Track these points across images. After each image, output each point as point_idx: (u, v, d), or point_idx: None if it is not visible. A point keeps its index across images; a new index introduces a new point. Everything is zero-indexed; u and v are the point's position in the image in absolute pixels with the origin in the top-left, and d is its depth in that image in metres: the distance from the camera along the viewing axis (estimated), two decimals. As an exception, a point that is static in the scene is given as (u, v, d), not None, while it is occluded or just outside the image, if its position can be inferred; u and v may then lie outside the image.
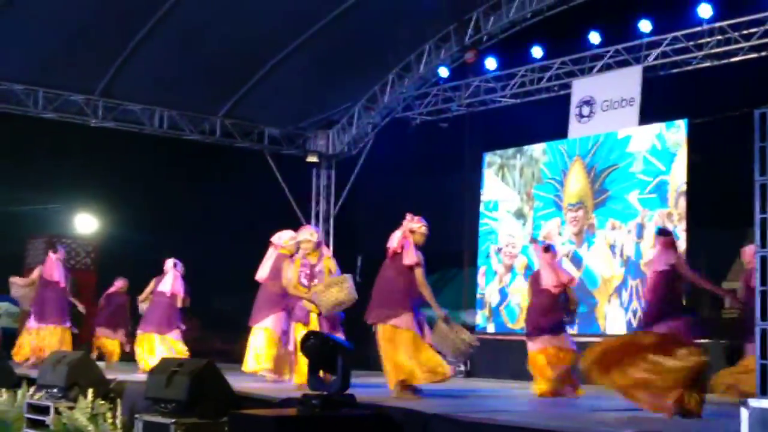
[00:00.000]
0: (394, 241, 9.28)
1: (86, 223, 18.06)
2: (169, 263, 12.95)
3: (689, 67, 14.07)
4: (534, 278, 10.84)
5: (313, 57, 16.16)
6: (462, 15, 15.83)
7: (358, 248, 17.93)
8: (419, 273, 9.14)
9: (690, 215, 13.33)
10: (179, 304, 12.78)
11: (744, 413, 5.44)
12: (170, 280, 12.86)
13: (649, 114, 13.94)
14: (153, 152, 17.63)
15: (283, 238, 11.61)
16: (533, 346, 10.48)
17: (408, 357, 8.89)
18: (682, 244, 13.20)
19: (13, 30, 14.47)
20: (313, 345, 7.69)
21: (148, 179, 17.81)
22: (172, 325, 12.72)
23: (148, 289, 13.11)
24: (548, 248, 10.90)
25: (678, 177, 13.44)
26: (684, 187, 13.37)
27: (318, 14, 15.31)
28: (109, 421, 8.91)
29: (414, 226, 9.40)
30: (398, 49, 16.79)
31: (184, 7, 14.55)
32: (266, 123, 18.11)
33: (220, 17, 14.91)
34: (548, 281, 10.47)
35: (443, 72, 16.75)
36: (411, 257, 9.15)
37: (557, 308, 10.51)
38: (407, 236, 9.31)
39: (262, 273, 11.62)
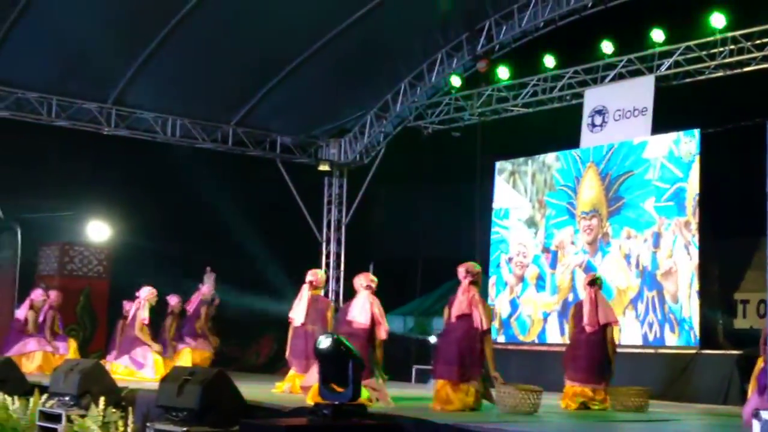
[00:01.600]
0: (462, 305, 9.28)
1: (99, 230, 18.06)
2: None
3: (702, 77, 14.03)
4: (577, 310, 10.63)
5: (326, 66, 16.19)
6: (474, 24, 15.86)
7: (369, 256, 17.93)
8: (489, 337, 9.30)
9: (703, 225, 13.27)
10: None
11: (756, 425, 5.41)
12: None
13: (661, 123, 13.90)
14: (165, 160, 17.66)
15: (319, 277, 11.63)
16: (569, 382, 10.32)
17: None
18: (695, 254, 13.18)
19: (28, 39, 14.54)
20: (327, 347, 7.66)
21: (160, 187, 17.81)
22: None
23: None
24: (593, 281, 10.60)
25: (695, 185, 13.37)
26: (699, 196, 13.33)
27: (330, 23, 15.34)
28: (121, 429, 8.93)
29: (473, 278, 9.39)
30: (410, 58, 16.82)
31: (196, 16, 14.60)
32: (278, 131, 18.15)
33: (232, 27, 14.95)
34: (586, 319, 10.32)
35: (455, 81, 16.75)
36: (486, 322, 9.24)
37: (597, 350, 10.26)
38: (472, 291, 9.29)
39: (299, 316, 11.36)
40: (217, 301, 15.91)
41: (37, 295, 14.36)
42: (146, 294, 13.54)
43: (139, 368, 13.21)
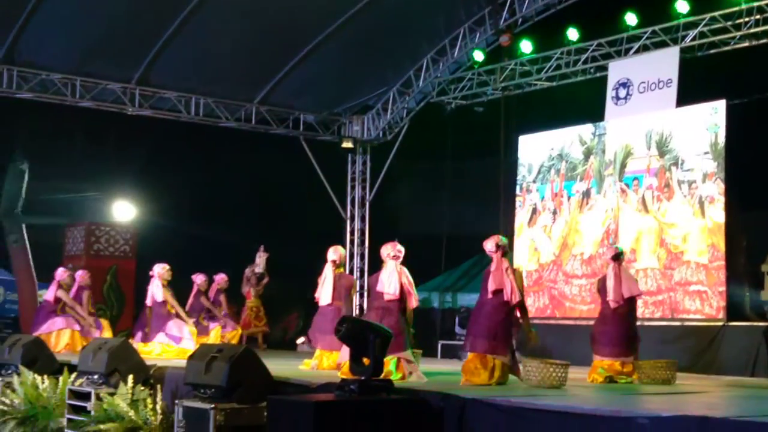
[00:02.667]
0: (498, 280, 9.19)
1: (124, 210, 18.19)
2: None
3: (727, 48, 13.90)
4: (602, 284, 10.51)
5: (347, 42, 16.17)
6: (496, -2, 15.78)
7: (393, 233, 17.93)
8: (523, 304, 9.29)
9: (729, 197, 13.20)
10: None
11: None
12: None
13: (686, 95, 13.80)
14: (189, 140, 17.74)
15: (341, 254, 11.59)
16: (597, 357, 10.26)
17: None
18: (721, 226, 13.12)
19: (51, 21, 14.61)
20: (346, 330, 7.69)
21: (185, 166, 17.91)
22: None
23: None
24: (617, 256, 10.41)
25: (721, 156, 13.28)
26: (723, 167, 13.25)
27: (351, 0, 15.30)
28: (149, 406, 8.99)
29: (504, 250, 9.32)
30: (432, 34, 16.75)
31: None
32: (301, 109, 18.16)
33: (253, 5, 14.95)
34: (611, 294, 10.27)
35: (478, 56, 16.67)
36: (518, 295, 9.21)
37: (624, 323, 10.20)
38: (505, 263, 9.28)
39: (326, 296, 11.28)
40: (266, 279, 15.98)
41: (61, 274, 14.44)
42: (159, 270, 13.54)
43: (178, 342, 13.29)
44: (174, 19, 15.12)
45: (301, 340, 15.71)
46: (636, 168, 14.42)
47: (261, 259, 16.31)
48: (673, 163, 13.87)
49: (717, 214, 13.19)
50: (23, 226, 17.17)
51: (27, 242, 17.21)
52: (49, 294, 14.44)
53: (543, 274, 15.47)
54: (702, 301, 13.20)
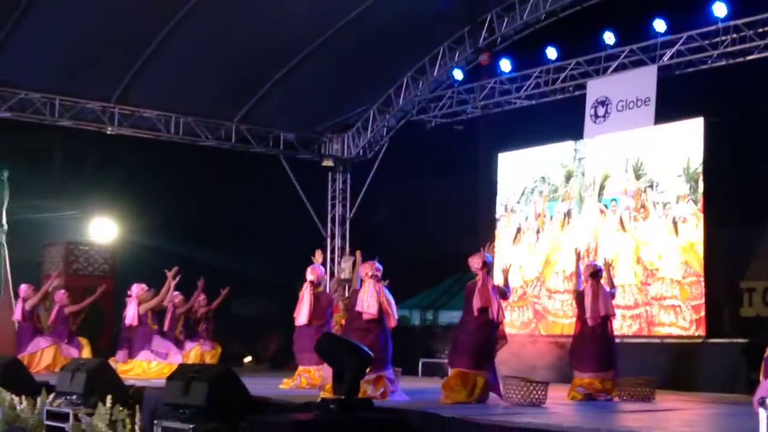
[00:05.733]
0: (484, 297, 9.26)
1: (103, 229, 18.10)
2: None
3: (704, 66, 14.00)
4: (579, 300, 10.59)
5: (327, 61, 16.20)
6: (476, 17, 15.83)
7: (374, 251, 17.91)
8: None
9: (707, 214, 13.32)
10: None
11: (763, 413, 5.41)
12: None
13: (664, 113, 13.89)
14: (169, 159, 17.68)
15: (318, 273, 11.62)
16: (577, 374, 10.29)
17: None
18: (700, 243, 13.24)
19: (30, 39, 14.56)
20: (323, 345, 7.69)
21: (164, 186, 17.85)
22: None
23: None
24: (595, 273, 10.48)
25: (699, 174, 13.41)
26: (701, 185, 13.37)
27: (331, 19, 15.35)
28: (128, 427, 8.94)
29: (489, 267, 9.45)
30: (412, 52, 16.80)
31: (197, 14, 14.61)
32: (281, 128, 18.15)
33: (233, 24, 14.96)
34: (588, 312, 10.29)
35: (457, 74, 16.74)
36: (503, 314, 9.43)
37: (602, 340, 10.26)
38: (490, 282, 9.33)
39: (302, 316, 11.45)
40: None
41: (25, 290, 14.34)
42: (137, 290, 13.53)
43: (164, 358, 13.23)
44: (154, 38, 15.11)
45: (248, 359, 15.70)
46: (614, 190, 14.61)
47: (347, 263, 15.76)
48: (648, 186, 14.10)
49: (689, 233, 13.41)
50: (3, 240, 16.92)
51: (7, 258, 16.95)
52: (17, 314, 14.24)
53: (527, 290, 15.56)
54: (676, 314, 13.44)
